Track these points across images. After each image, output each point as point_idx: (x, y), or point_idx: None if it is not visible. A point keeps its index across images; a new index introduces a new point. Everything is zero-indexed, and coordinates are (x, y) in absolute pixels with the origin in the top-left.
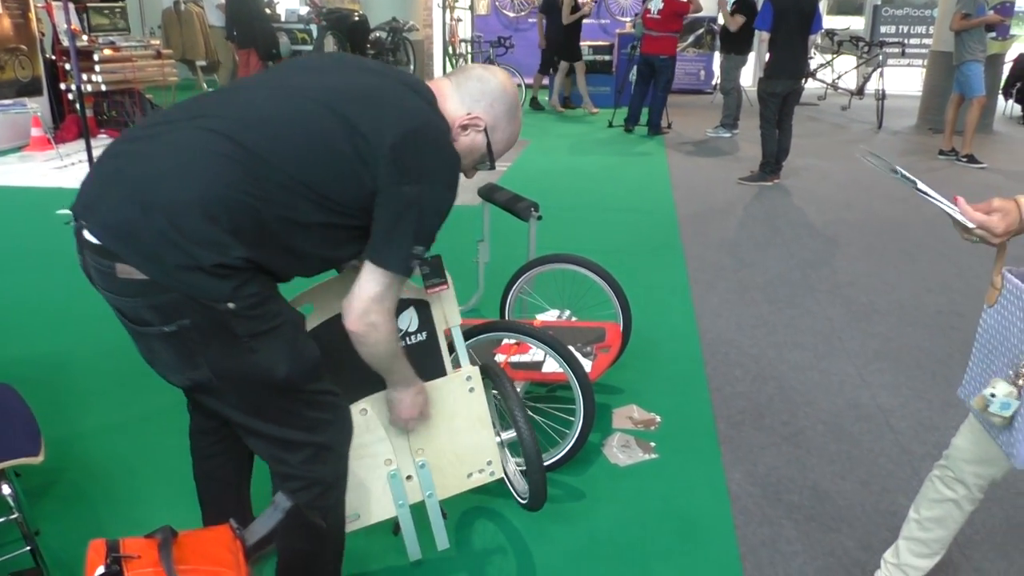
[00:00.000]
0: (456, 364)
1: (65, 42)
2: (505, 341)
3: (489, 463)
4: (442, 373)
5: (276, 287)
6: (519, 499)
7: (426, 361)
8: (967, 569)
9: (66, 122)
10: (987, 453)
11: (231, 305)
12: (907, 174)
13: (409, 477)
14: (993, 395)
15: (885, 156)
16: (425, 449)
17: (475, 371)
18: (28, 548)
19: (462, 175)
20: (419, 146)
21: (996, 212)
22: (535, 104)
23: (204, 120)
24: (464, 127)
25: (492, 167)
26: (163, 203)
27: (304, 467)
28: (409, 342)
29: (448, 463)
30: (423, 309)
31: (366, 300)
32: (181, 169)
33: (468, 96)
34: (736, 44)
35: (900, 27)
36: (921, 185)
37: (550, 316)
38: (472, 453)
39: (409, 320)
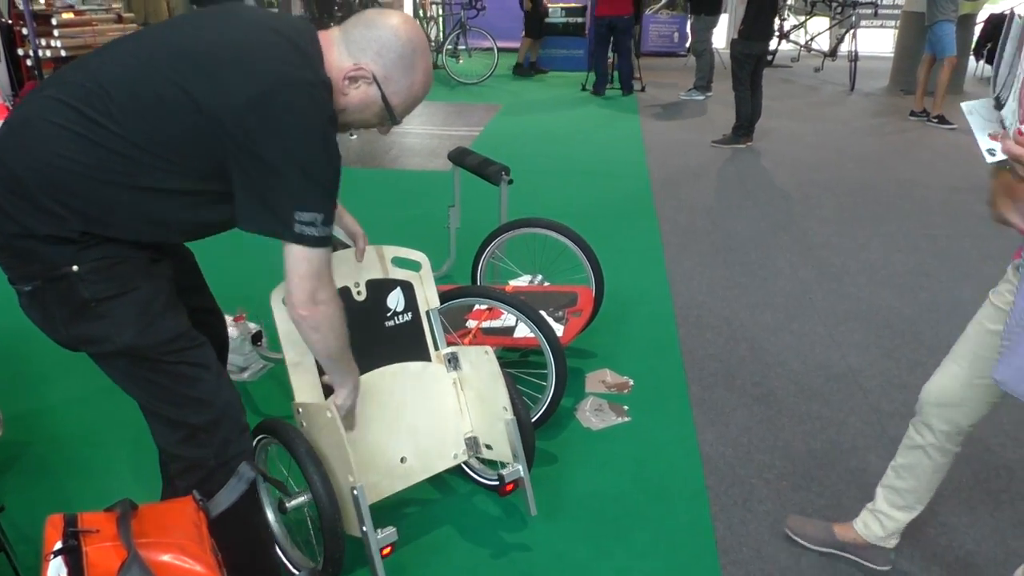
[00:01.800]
0: (435, 346)
1: (21, 6)
2: (477, 307)
3: (472, 440)
4: (426, 353)
5: (136, 250)
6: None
7: (411, 341)
8: (933, 523)
9: (25, 89)
10: (952, 396)
11: (75, 268)
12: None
13: (403, 459)
14: None
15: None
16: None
17: (454, 351)
18: None
19: (378, 132)
20: (270, 109)
21: None
22: (519, 69)
23: (54, 88)
24: (352, 79)
25: (395, 122)
26: (0, 174)
27: (182, 447)
28: (397, 322)
29: (435, 443)
30: (408, 290)
31: (300, 281)
32: (16, 141)
33: (354, 44)
34: (706, 4)
35: None
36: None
37: (522, 281)
38: (455, 434)
39: (397, 300)
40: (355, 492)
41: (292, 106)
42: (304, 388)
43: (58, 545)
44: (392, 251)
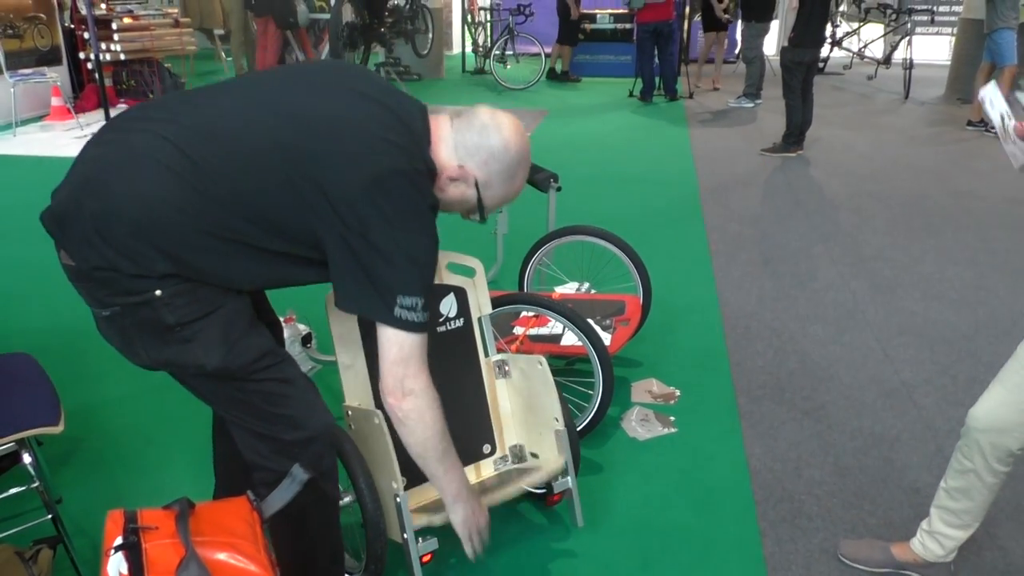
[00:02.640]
0: (486, 352)
1: (83, 11)
2: (524, 314)
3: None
4: (476, 360)
5: None
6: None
7: (462, 347)
8: (991, 547)
9: (86, 92)
10: (1000, 421)
11: (158, 293)
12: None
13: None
14: None
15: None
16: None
17: (504, 358)
18: (49, 516)
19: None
20: (383, 196)
21: None
22: (552, 75)
23: (161, 125)
24: (453, 179)
25: (482, 220)
26: (93, 206)
27: (272, 460)
28: (448, 327)
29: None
30: (461, 296)
31: (390, 367)
32: (120, 175)
33: (463, 147)
34: (757, 11)
35: None
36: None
37: (569, 289)
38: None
39: (449, 306)
40: (398, 500)
41: (404, 194)
42: (354, 391)
43: (119, 540)
44: (448, 256)
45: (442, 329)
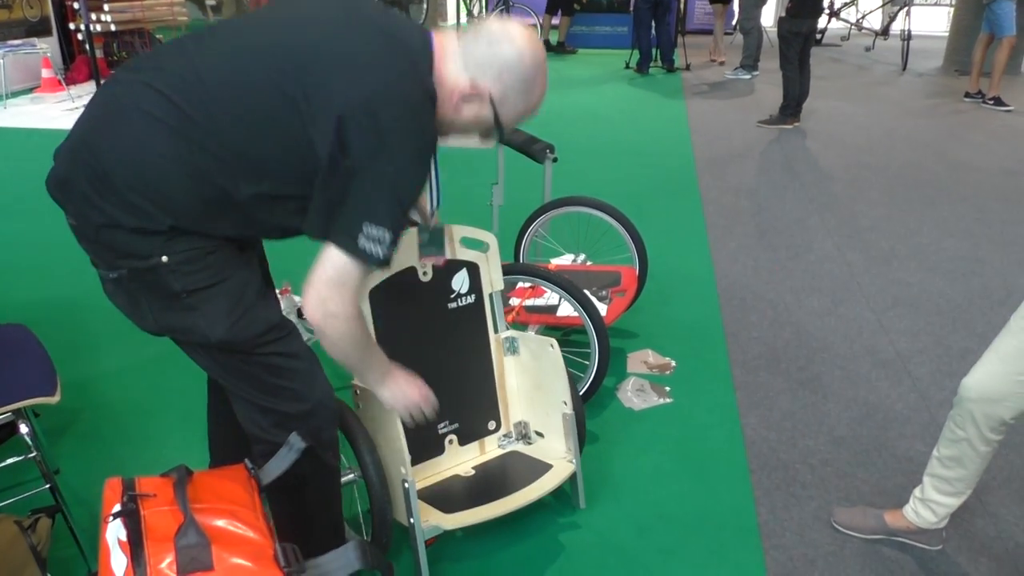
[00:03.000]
0: (496, 328)
1: None
2: (520, 285)
3: (522, 425)
4: (486, 337)
5: (224, 241)
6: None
7: (472, 324)
8: (983, 513)
9: (76, 63)
10: (992, 391)
11: (164, 259)
12: None
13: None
14: None
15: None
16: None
17: (515, 336)
18: (48, 486)
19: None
20: (371, 120)
21: None
22: (547, 47)
23: (151, 74)
24: (466, 97)
25: (502, 140)
26: (87, 165)
27: (272, 432)
28: (460, 304)
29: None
30: (474, 271)
31: (319, 284)
32: (108, 130)
33: (473, 61)
34: None
35: None
36: None
37: (565, 260)
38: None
39: (461, 282)
40: (406, 485)
41: (395, 117)
42: None
43: (117, 508)
44: (461, 231)
45: (453, 306)
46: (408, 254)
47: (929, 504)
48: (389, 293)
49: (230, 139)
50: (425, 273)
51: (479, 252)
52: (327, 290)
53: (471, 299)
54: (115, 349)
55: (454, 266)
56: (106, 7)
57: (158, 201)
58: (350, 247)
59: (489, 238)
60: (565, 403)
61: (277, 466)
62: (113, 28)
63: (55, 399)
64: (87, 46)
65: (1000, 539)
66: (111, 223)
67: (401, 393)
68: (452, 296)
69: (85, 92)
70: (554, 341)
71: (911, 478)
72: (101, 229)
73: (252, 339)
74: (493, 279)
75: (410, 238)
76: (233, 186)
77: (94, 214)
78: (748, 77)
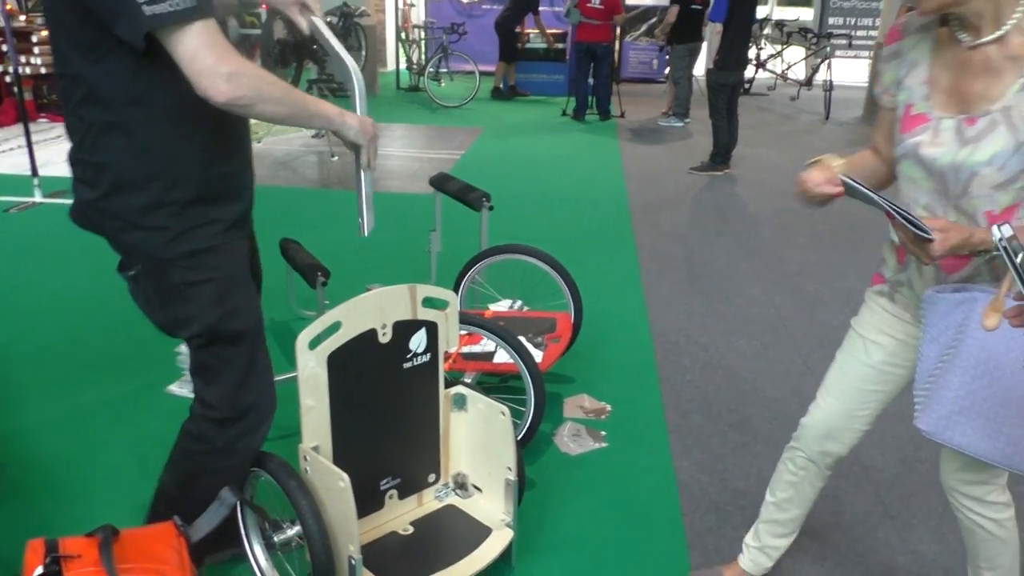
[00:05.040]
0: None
1: (1, 23)
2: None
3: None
4: (436, 394)
5: (226, 237)
6: None
7: (425, 381)
8: (903, 551)
9: (3, 106)
10: (831, 428)
11: (168, 257)
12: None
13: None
14: None
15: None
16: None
17: (463, 393)
18: None
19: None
20: None
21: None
22: (497, 93)
23: None
24: None
25: None
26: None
27: (203, 423)
28: (415, 363)
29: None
30: (432, 330)
31: (188, 66)
32: None
33: None
34: (679, 34)
35: (848, 19)
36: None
37: (502, 306)
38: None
39: (419, 342)
40: (353, 562)
41: None
42: (315, 432)
43: (39, 571)
44: (425, 291)
45: (408, 365)
46: (369, 316)
47: (766, 550)
48: (347, 356)
49: (63, 58)
50: (385, 334)
51: (439, 311)
52: (199, 64)
53: (426, 358)
54: (42, 402)
55: (413, 326)
56: (36, 49)
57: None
58: (148, 22)
59: (450, 296)
60: (510, 469)
61: (208, 522)
62: (43, 71)
63: None
64: (15, 88)
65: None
66: (128, 225)
67: (362, 123)
68: (408, 356)
69: (12, 135)
70: (505, 409)
71: (837, 517)
72: (119, 232)
73: (235, 333)
74: (450, 337)
75: (371, 301)
76: (88, 79)
77: (108, 224)
78: (680, 125)
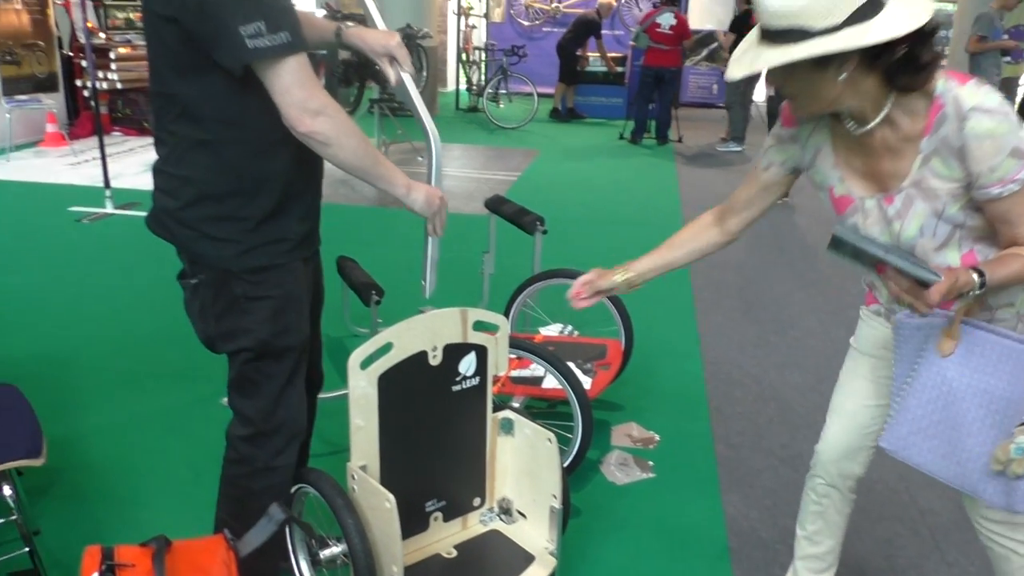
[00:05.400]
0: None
1: (82, 39)
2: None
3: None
4: (484, 417)
5: (290, 256)
6: None
7: (473, 405)
8: (941, 564)
9: (80, 119)
10: (845, 449)
11: (233, 269)
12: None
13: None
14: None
15: None
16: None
17: (511, 418)
18: (27, 549)
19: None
20: None
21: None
22: (556, 115)
23: None
24: None
25: None
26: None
27: (243, 443)
28: (464, 386)
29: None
30: (482, 354)
31: (281, 99)
32: None
33: None
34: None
35: None
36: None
37: (552, 331)
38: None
39: (468, 365)
40: None
41: None
42: (363, 451)
43: None
44: (476, 315)
45: (457, 388)
46: (421, 339)
47: None
48: (397, 378)
49: (165, 79)
50: (435, 356)
51: (489, 334)
52: (290, 97)
53: (475, 381)
54: (102, 407)
55: (464, 349)
56: (113, 65)
57: (181, 174)
58: (249, 55)
59: (500, 320)
60: (555, 496)
61: (256, 537)
62: (119, 86)
63: (40, 462)
64: (92, 102)
65: None
66: (198, 235)
67: (429, 195)
68: (458, 379)
69: (88, 147)
70: (552, 435)
71: (891, 561)
72: (189, 242)
73: (283, 350)
74: (499, 361)
75: (422, 324)
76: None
77: (182, 233)
78: (739, 150)
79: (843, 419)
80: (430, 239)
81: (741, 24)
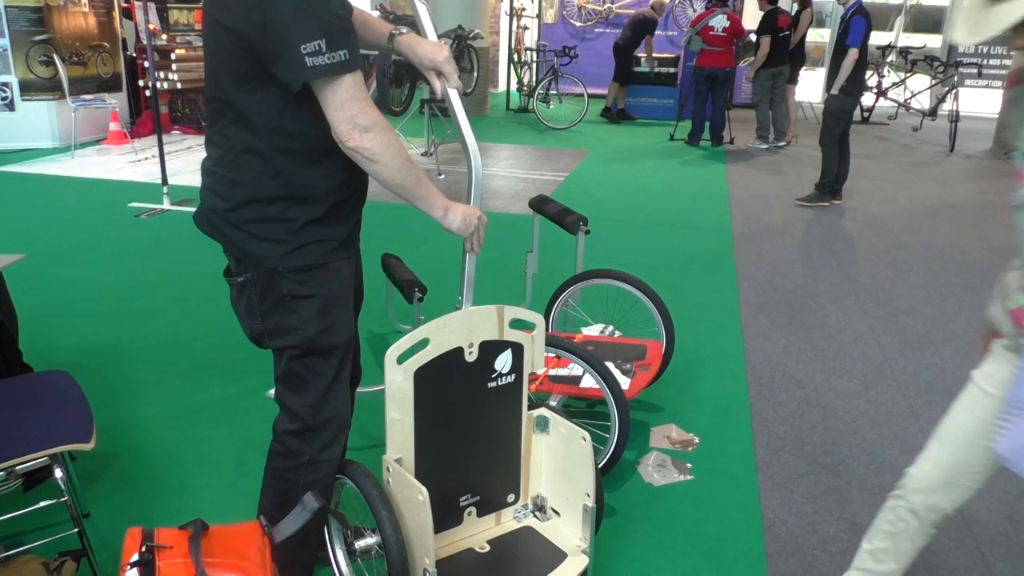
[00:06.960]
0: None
1: (145, 41)
2: (546, 353)
3: (539, 499)
4: (520, 414)
5: (334, 256)
6: None
7: (509, 402)
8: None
9: (142, 118)
10: (937, 482)
11: (280, 268)
12: None
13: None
14: None
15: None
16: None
17: (546, 416)
18: (76, 530)
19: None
20: None
21: None
22: (607, 114)
23: None
24: None
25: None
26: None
27: (290, 437)
28: (499, 383)
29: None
30: (518, 352)
31: (334, 113)
32: None
33: None
34: (765, 59)
35: (979, 47)
36: None
37: (593, 331)
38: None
39: (504, 362)
40: (427, 573)
41: None
42: (399, 444)
43: (135, 557)
44: (512, 312)
45: (493, 385)
46: (457, 335)
47: None
48: (433, 373)
49: (212, 86)
50: (472, 353)
51: (525, 331)
52: (343, 112)
53: (511, 378)
54: (153, 397)
55: (499, 346)
56: (174, 67)
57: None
58: (308, 72)
59: (537, 319)
60: (588, 495)
61: (291, 525)
62: (179, 86)
63: (90, 446)
64: (153, 102)
65: None
66: (246, 236)
67: (466, 217)
68: (493, 376)
69: (148, 145)
70: (586, 434)
71: (933, 572)
72: (239, 242)
73: (330, 348)
74: (535, 359)
75: (458, 320)
76: (244, 108)
77: (233, 234)
78: (765, 147)
79: (943, 451)
80: (467, 256)
81: (771, 24)
